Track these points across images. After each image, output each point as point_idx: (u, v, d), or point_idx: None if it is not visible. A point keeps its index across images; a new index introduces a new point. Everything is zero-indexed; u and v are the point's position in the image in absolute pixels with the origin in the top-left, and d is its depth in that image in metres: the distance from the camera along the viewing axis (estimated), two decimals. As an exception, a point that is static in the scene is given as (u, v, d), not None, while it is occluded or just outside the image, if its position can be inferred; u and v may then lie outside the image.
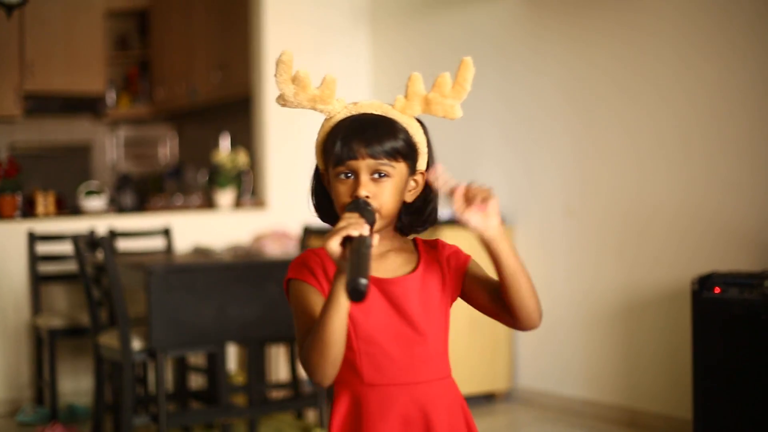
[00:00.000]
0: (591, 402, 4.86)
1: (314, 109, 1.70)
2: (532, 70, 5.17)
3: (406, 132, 1.68)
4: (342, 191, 1.65)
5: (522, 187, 5.21)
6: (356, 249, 1.46)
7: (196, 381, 5.35)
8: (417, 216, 1.73)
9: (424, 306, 1.67)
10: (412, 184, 1.71)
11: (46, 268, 5.23)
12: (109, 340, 4.16)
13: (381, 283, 1.65)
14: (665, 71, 4.48)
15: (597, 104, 4.83)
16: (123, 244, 5.38)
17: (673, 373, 4.40)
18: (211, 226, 5.82)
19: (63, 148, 8.30)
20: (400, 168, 1.66)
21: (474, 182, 1.60)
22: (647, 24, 4.57)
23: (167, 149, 8.68)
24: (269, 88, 5.97)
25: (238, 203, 6.07)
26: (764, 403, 3.58)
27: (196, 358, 5.21)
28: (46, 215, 5.62)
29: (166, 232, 5.46)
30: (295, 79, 1.67)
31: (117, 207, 7.22)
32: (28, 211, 5.77)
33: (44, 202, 5.67)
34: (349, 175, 1.64)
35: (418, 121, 1.72)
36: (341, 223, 1.52)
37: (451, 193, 1.59)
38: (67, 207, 6.60)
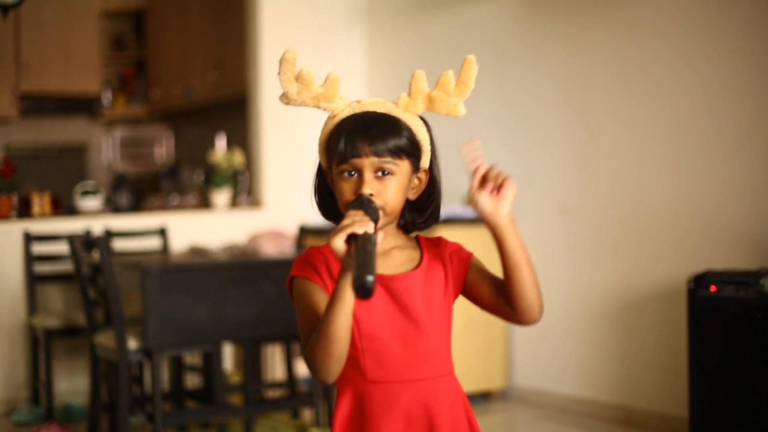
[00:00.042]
0: (587, 400, 4.87)
1: (318, 107, 1.70)
2: (530, 68, 5.17)
3: (409, 130, 1.68)
4: (346, 189, 1.65)
5: (519, 185, 5.14)
6: (362, 246, 1.46)
7: (192, 380, 5.35)
8: (420, 213, 1.74)
9: (426, 303, 1.67)
10: (415, 181, 1.71)
11: (42, 268, 5.23)
12: (105, 339, 4.15)
13: (384, 280, 1.65)
14: (663, 69, 4.49)
15: (595, 103, 4.84)
16: (119, 244, 5.37)
17: (669, 372, 4.41)
18: (207, 225, 5.82)
19: (59, 148, 8.29)
20: (403, 166, 1.66)
21: (497, 166, 1.61)
22: (646, 23, 4.58)
23: (163, 149, 8.67)
24: (265, 88, 5.98)
25: (234, 203, 6.07)
26: (760, 400, 3.60)
27: (192, 358, 5.21)
28: (42, 215, 5.61)
29: (162, 232, 5.46)
30: (298, 78, 1.68)
31: (113, 207, 7.21)
32: (24, 211, 5.76)
33: (40, 202, 5.66)
34: (353, 173, 1.64)
35: (422, 119, 1.73)
36: (346, 221, 1.51)
37: (475, 171, 1.59)
38: (63, 207, 6.58)
